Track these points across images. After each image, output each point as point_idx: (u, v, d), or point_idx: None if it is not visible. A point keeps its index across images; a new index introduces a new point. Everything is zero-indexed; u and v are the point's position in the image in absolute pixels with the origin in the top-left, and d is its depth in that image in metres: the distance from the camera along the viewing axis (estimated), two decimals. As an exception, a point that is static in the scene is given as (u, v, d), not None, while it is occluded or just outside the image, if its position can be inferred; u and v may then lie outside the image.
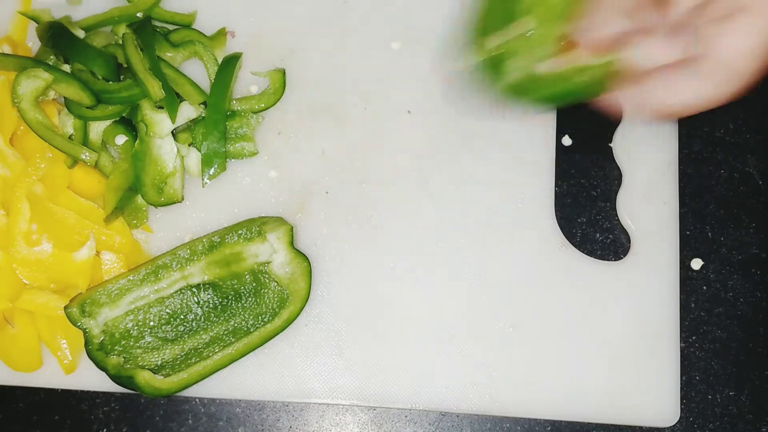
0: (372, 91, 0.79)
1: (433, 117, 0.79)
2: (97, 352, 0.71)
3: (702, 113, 0.83)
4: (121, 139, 0.75)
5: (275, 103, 0.78)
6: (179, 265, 0.73)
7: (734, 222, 0.81)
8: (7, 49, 0.76)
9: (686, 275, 0.80)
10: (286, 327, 0.74)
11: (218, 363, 0.72)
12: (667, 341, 0.75)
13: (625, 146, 0.79)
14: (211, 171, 0.76)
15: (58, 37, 0.75)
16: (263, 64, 0.80)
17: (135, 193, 0.75)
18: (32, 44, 0.79)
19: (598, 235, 0.80)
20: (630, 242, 0.78)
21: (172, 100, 0.74)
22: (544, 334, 0.75)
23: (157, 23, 0.79)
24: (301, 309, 0.74)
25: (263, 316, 0.73)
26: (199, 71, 0.79)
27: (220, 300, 0.73)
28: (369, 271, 0.76)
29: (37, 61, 0.74)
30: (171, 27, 0.80)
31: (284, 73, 0.79)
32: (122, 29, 0.77)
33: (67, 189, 0.74)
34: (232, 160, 0.78)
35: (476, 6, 0.71)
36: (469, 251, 0.77)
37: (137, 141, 0.75)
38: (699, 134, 0.82)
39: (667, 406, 0.74)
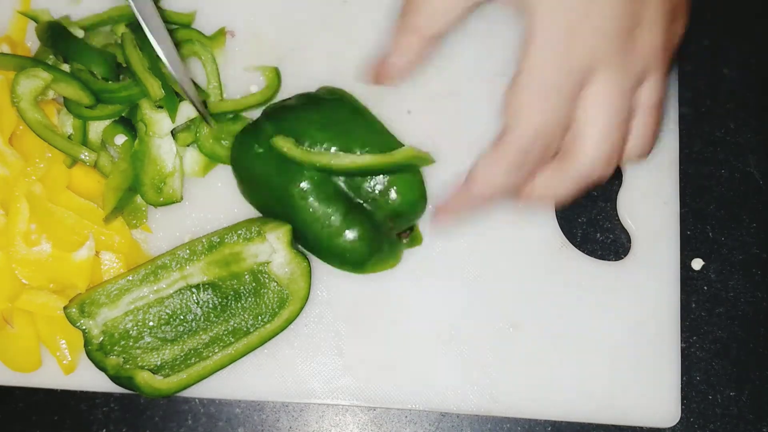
0: (372, 91, 0.79)
1: (433, 117, 0.79)
2: (96, 353, 0.71)
3: (702, 112, 0.83)
4: (120, 139, 0.75)
5: (273, 97, 0.78)
6: (179, 266, 0.73)
7: (735, 222, 0.81)
8: (6, 49, 0.76)
9: (687, 275, 0.79)
10: (286, 327, 0.74)
11: (218, 363, 0.72)
12: (667, 341, 0.75)
13: (625, 146, 0.79)
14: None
15: (57, 37, 0.75)
16: (263, 63, 0.80)
17: (134, 193, 0.75)
18: (31, 44, 0.79)
19: (598, 235, 0.80)
20: (630, 242, 0.78)
21: (171, 100, 0.74)
22: (544, 334, 0.75)
23: (156, 23, 0.79)
24: (301, 309, 0.74)
25: (263, 317, 0.73)
26: (198, 71, 0.79)
27: (220, 300, 0.73)
28: (369, 271, 0.76)
29: (37, 61, 0.74)
30: (170, 26, 0.79)
31: (276, 68, 0.79)
32: (121, 29, 0.77)
33: (67, 189, 0.74)
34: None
35: None
36: (469, 251, 0.77)
37: (136, 141, 0.74)
38: (699, 134, 0.82)
39: (667, 407, 0.74)
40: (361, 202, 0.72)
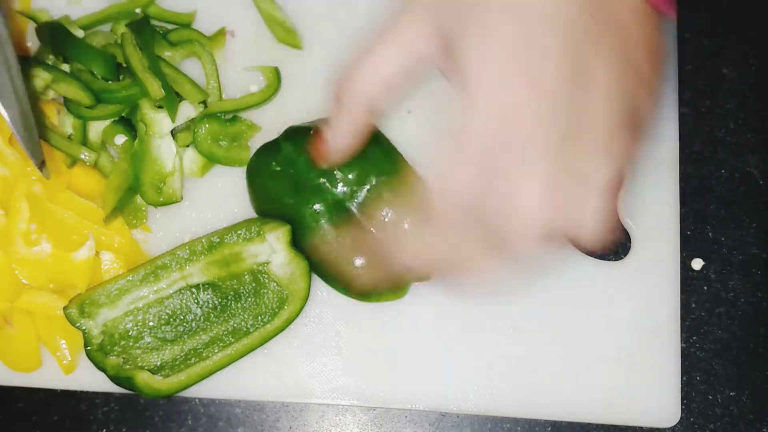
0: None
1: (433, 117, 0.79)
2: (96, 353, 0.71)
3: (702, 112, 0.83)
4: (120, 139, 0.75)
5: (272, 97, 0.78)
6: (178, 266, 0.73)
7: (735, 222, 0.81)
8: (6, 49, 0.76)
9: (687, 275, 0.79)
10: (286, 327, 0.74)
11: (218, 363, 0.72)
12: (667, 341, 0.75)
13: (625, 146, 0.79)
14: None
15: (57, 37, 0.75)
16: (263, 64, 0.79)
17: (134, 193, 0.75)
18: (31, 44, 0.79)
19: (599, 237, 0.80)
20: (630, 242, 0.78)
21: (171, 100, 0.74)
22: (544, 334, 0.75)
23: (156, 22, 0.79)
24: (301, 309, 0.74)
25: (263, 317, 0.73)
26: (197, 70, 0.79)
27: (220, 300, 0.73)
28: (369, 271, 0.76)
29: (36, 61, 0.74)
30: (170, 26, 0.79)
31: (276, 68, 0.79)
32: (121, 28, 0.77)
33: (67, 189, 0.74)
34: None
35: None
36: (469, 251, 0.77)
37: (136, 141, 0.75)
38: (699, 134, 0.82)
39: (667, 407, 0.74)
40: (373, 230, 0.72)
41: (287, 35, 0.79)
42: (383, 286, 0.72)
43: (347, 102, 0.60)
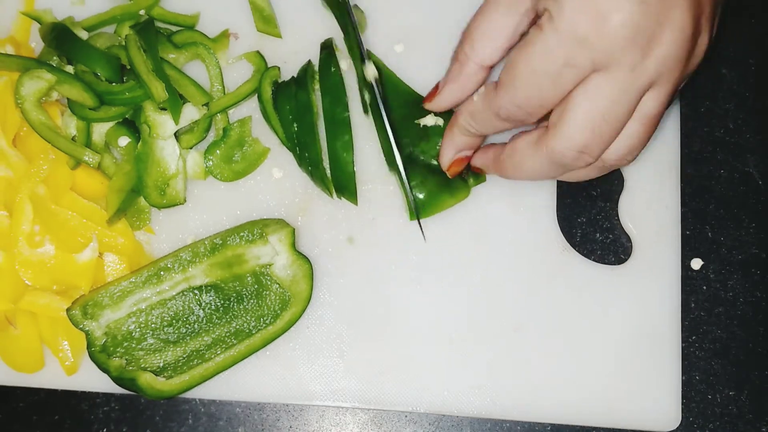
0: (375, 93, 0.79)
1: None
2: (99, 354, 0.71)
3: (702, 112, 0.83)
4: (124, 141, 0.75)
5: (261, 81, 0.78)
6: (181, 267, 0.73)
7: (734, 222, 0.81)
8: (10, 50, 0.76)
9: (686, 275, 0.80)
10: (288, 329, 0.74)
11: (220, 365, 0.73)
12: (668, 346, 0.76)
13: (626, 148, 0.79)
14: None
15: (61, 38, 0.75)
16: (268, 66, 0.79)
17: (137, 195, 0.75)
18: (35, 45, 0.79)
19: (598, 235, 0.80)
20: (632, 246, 0.78)
21: (175, 102, 0.74)
22: (545, 337, 0.76)
23: (160, 24, 0.79)
24: (303, 311, 0.74)
25: (265, 318, 0.73)
26: (202, 72, 0.79)
27: (222, 302, 0.73)
28: (370, 274, 0.76)
29: (41, 62, 0.74)
30: (174, 28, 0.79)
31: (258, 51, 0.79)
32: (125, 30, 0.77)
33: (70, 190, 0.74)
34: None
35: None
36: (471, 254, 0.77)
37: (140, 142, 0.75)
38: (699, 134, 0.83)
39: (668, 411, 0.74)
40: (411, 150, 0.76)
41: (267, 25, 0.80)
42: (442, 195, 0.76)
43: (465, 62, 0.67)
